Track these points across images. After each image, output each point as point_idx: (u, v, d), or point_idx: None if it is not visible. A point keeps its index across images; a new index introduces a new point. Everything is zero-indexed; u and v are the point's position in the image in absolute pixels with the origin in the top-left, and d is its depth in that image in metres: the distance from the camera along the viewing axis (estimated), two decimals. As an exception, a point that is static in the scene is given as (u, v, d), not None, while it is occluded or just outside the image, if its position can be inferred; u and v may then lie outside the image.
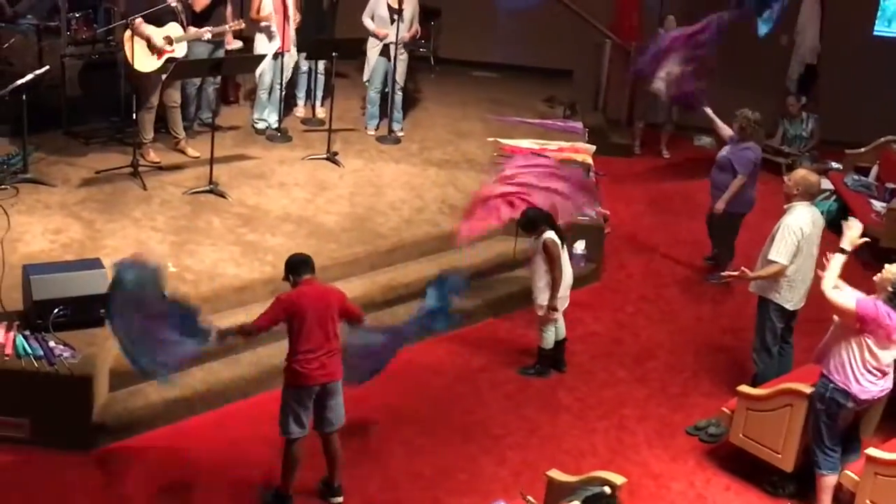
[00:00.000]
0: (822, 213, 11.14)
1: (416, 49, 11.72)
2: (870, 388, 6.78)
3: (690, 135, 14.02)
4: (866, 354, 6.68)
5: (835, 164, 12.51)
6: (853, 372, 6.72)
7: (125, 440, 7.17)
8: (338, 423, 6.71)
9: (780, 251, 7.69)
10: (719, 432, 7.78)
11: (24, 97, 9.35)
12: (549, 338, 8.47)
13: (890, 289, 6.60)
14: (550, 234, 8.16)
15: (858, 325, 6.62)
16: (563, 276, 8.26)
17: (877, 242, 10.39)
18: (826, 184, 11.91)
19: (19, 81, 9.33)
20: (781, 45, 14.27)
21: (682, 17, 12.72)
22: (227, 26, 10.20)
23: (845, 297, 6.69)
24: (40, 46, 10.78)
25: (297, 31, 11.09)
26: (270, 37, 10.85)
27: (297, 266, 6.55)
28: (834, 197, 11.79)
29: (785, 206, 7.87)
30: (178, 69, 9.58)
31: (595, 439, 7.78)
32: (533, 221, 8.28)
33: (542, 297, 8.28)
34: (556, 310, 8.30)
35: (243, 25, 10.49)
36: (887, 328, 6.59)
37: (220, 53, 10.60)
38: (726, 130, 10.15)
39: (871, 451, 6.86)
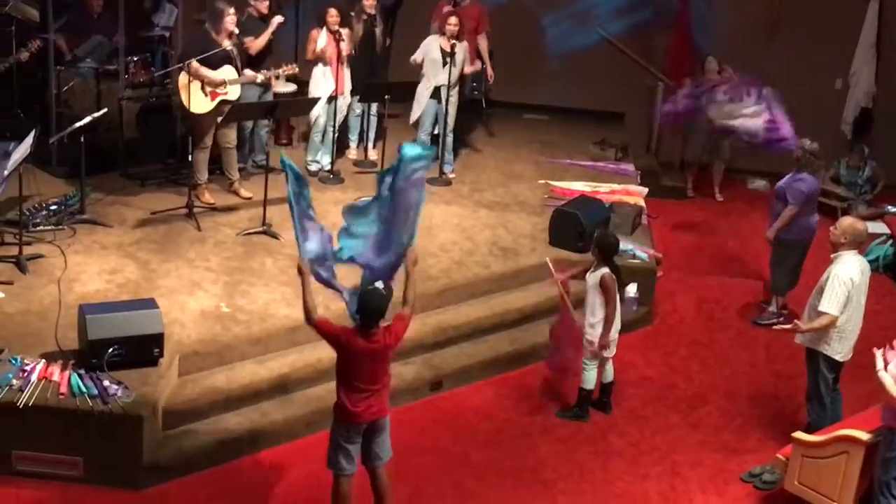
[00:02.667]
0: (878, 257, 11.20)
1: (469, 91, 11.79)
2: None
3: (744, 177, 13.92)
4: None
5: (892, 208, 12.35)
6: None
7: (177, 479, 7.19)
8: (385, 457, 6.69)
9: (830, 303, 7.59)
10: (774, 479, 7.67)
11: (82, 139, 9.53)
12: (591, 377, 8.39)
13: None
14: (607, 271, 8.13)
15: None
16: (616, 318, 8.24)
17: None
18: (882, 228, 11.78)
19: (78, 124, 9.52)
20: (836, 88, 14.19)
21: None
22: (280, 70, 10.32)
23: None
24: (99, 89, 10.97)
25: (351, 74, 11.20)
26: (325, 80, 10.97)
27: (371, 311, 6.35)
28: (890, 241, 11.64)
29: (832, 256, 7.79)
30: (233, 111, 9.71)
31: (647, 485, 7.70)
32: (614, 247, 8.24)
33: (593, 334, 8.24)
34: (606, 347, 8.25)
35: (296, 69, 10.61)
36: None
37: (269, 96, 10.75)
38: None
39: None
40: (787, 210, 9.70)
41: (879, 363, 6.71)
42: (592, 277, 8.19)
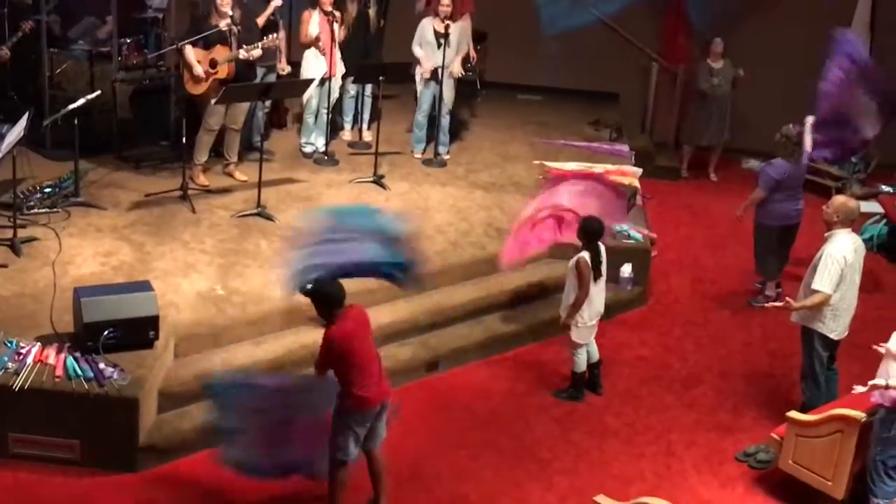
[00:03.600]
0: (872, 236, 11.21)
1: (462, 73, 11.78)
2: None
3: (738, 158, 13.92)
4: None
5: (885, 188, 12.36)
6: None
7: (172, 461, 7.20)
8: (382, 436, 6.73)
9: (823, 280, 7.60)
10: (768, 458, 7.68)
11: (76, 121, 9.51)
12: (581, 361, 8.42)
13: None
14: (584, 255, 8.11)
15: None
16: (592, 304, 8.20)
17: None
18: (876, 207, 11.78)
19: (71, 106, 9.49)
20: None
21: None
22: (259, 44, 10.14)
23: None
24: (92, 72, 10.95)
25: (344, 55, 11.16)
26: (318, 61, 10.94)
27: (340, 300, 6.41)
28: (885, 221, 11.65)
29: (826, 234, 7.80)
30: (227, 93, 9.67)
31: (643, 465, 7.71)
32: (598, 232, 8.21)
33: (563, 314, 8.27)
34: (567, 328, 8.25)
35: (277, 42, 10.50)
36: None
37: (272, 79, 10.71)
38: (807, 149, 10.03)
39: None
40: (754, 193, 9.73)
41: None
42: (571, 260, 8.20)
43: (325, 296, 6.41)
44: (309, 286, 6.51)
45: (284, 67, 11.09)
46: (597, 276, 8.18)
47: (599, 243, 8.23)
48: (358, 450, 6.57)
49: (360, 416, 6.49)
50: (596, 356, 8.57)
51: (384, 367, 6.72)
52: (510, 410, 8.27)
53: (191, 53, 9.82)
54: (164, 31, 11.72)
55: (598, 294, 8.29)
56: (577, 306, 8.17)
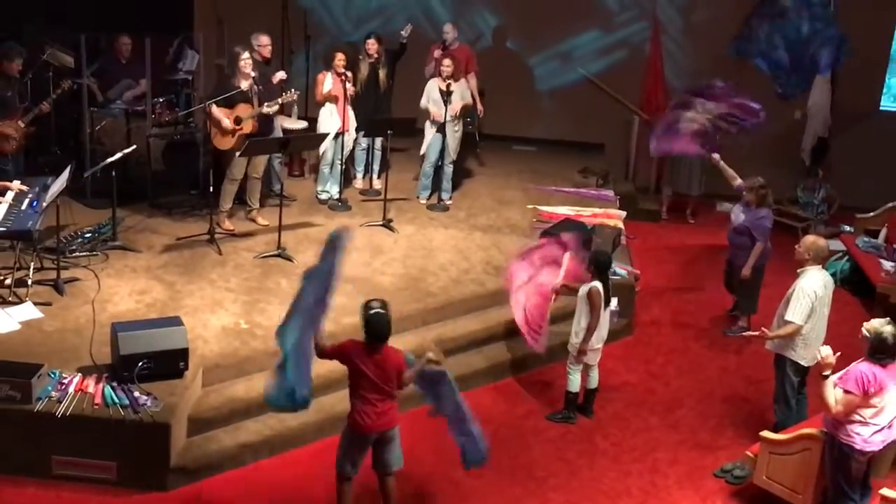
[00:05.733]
0: (836, 272, 11.19)
1: (463, 126, 11.85)
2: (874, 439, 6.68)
3: (713, 201, 13.93)
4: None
5: (846, 227, 12.37)
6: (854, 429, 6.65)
7: (201, 481, 7.17)
8: (395, 465, 6.65)
9: (795, 312, 7.60)
10: (744, 474, 7.64)
11: (113, 173, 9.55)
12: (575, 381, 8.39)
13: (869, 340, 6.59)
14: (597, 285, 8.13)
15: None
16: (600, 328, 8.22)
17: (887, 299, 10.27)
18: (840, 245, 11.78)
19: (110, 159, 9.54)
20: (796, 119, 14.22)
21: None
22: (279, 100, 10.23)
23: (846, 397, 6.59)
24: (128, 128, 11.00)
25: (356, 111, 11.22)
26: (332, 117, 11.00)
27: (378, 335, 6.34)
28: (847, 257, 11.64)
29: (798, 271, 7.82)
30: (251, 146, 9.71)
31: (630, 481, 7.67)
32: (607, 264, 8.24)
33: (577, 339, 8.25)
34: (584, 353, 8.24)
35: (296, 96, 10.57)
36: (875, 392, 6.54)
37: (278, 132, 10.78)
38: (737, 180, 10.03)
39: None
40: (757, 247, 9.66)
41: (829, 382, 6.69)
42: (583, 289, 8.20)
43: (369, 325, 6.35)
44: (373, 311, 6.37)
45: (295, 123, 11.07)
46: (606, 304, 8.20)
47: (609, 274, 8.26)
48: (353, 470, 6.54)
49: (355, 437, 6.47)
50: (595, 384, 8.53)
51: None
52: (509, 432, 8.23)
53: (217, 111, 9.88)
54: (193, 92, 11.79)
55: (605, 320, 8.29)
56: (590, 331, 8.16)
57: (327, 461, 6.87)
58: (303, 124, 11.78)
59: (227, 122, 9.87)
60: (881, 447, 6.78)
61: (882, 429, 6.65)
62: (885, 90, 14.50)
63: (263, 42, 10.69)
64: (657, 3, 14.19)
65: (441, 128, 11.29)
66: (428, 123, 11.40)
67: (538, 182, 12.93)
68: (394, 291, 9.23)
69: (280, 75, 10.52)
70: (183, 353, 7.40)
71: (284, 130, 10.92)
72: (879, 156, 13.85)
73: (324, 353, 6.41)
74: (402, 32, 11.85)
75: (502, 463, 7.76)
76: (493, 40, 14.59)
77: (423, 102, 11.37)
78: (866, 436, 6.61)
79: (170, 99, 11.55)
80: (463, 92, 11.42)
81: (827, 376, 6.58)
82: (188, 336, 7.54)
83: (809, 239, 7.90)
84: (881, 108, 14.52)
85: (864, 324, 6.70)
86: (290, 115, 11.97)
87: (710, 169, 12.34)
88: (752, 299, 10.13)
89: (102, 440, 6.97)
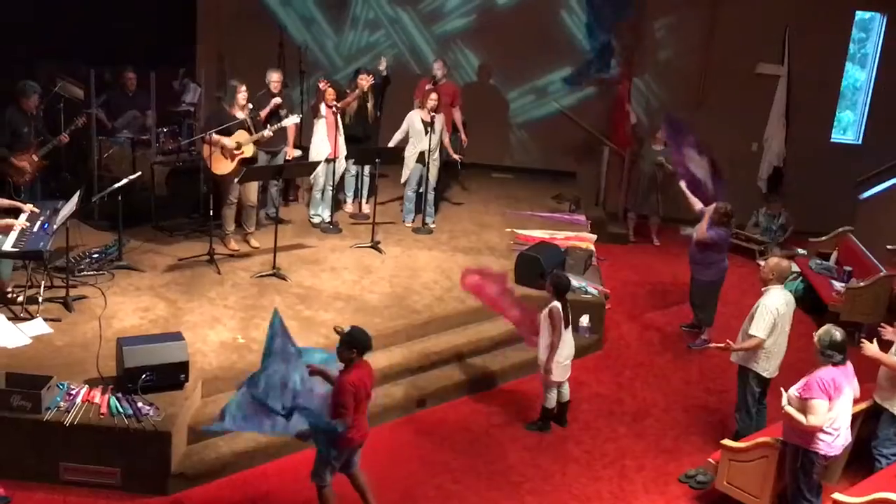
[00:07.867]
0: (791, 290, 11.21)
1: (446, 155, 11.90)
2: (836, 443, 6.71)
3: (676, 225, 13.99)
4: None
5: (800, 251, 12.45)
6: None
7: (199, 486, 7.12)
8: (358, 462, 6.68)
9: (759, 327, 7.64)
10: (707, 480, 7.64)
11: (120, 198, 9.52)
12: (551, 398, 8.37)
13: (821, 344, 6.65)
14: (556, 304, 8.10)
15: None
16: (564, 346, 8.16)
17: (837, 317, 10.33)
18: (794, 266, 11.84)
19: (116, 185, 9.52)
20: (752, 150, 14.34)
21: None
22: (281, 123, 10.21)
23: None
24: (134, 156, 11.01)
25: (346, 140, 11.24)
26: (324, 146, 11.01)
27: (366, 346, 6.38)
28: (801, 278, 11.71)
29: (762, 289, 7.86)
30: (248, 173, 9.71)
31: (600, 486, 7.66)
32: (566, 286, 8.21)
33: (543, 356, 8.22)
34: (549, 372, 8.20)
35: (298, 120, 10.60)
36: (835, 395, 6.57)
37: (280, 160, 10.79)
38: (698, 205, 10.16)
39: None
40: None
41: (784, 400, 6.71)
42: (545, 310, 8.19)
43: (355, 340, 6.35)
44: (346, 329, 6.45)
45: (292, 154, 11.12)
46: (566, 322, 8.18)
47: (566, 297, 8.24)
48: (331, 477, 6.52)
49: (348, 451, 6.47)
50: (566, 397, 8.51)
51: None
52: (488, 440, 8.21)
53: (218, 137, 9.85)
54: (195, 122, 11.79)
55: (568, 338, 8.27)
56: (553, 349, 8.12)
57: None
58: (297, 153, 11.77)
59: (230, 142, 9.85)
60: (840, 451, 6.82)
61: (841, 434, 6.69)
62: (835, 123, 14.64)
63: (275, 78, 10.71)
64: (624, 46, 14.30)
65: (421, 157, 11.31)
66: (408, 151, 11.41)
67: (515, 207, 12.96)
68: (381, 308, 9.23)
69: (276, 101, 10.53)
70: (183, 366, 7.36)
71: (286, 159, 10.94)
72: (831, 184, 13.96)
73: (348, 410, 6.25)
74: (380, 67, 11.91)
75: (481, 468, 7.74)
76: (476, 76, 14.65)
77: (398, 136, 11.39)
78: (830, 442, 6.65)
79: (173, 129, 11.54)
80: (443, 125, 11.47)
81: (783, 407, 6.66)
82: (188, 350, 7.51)
83: (773, 260, 7.95)
84: (832, 140, 14.65)
85: (814, 333, 6.75)
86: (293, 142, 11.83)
87: (670, 190, 12.50)
88: (709, 313, 10.22)
89: (108, 448, 6.91)
